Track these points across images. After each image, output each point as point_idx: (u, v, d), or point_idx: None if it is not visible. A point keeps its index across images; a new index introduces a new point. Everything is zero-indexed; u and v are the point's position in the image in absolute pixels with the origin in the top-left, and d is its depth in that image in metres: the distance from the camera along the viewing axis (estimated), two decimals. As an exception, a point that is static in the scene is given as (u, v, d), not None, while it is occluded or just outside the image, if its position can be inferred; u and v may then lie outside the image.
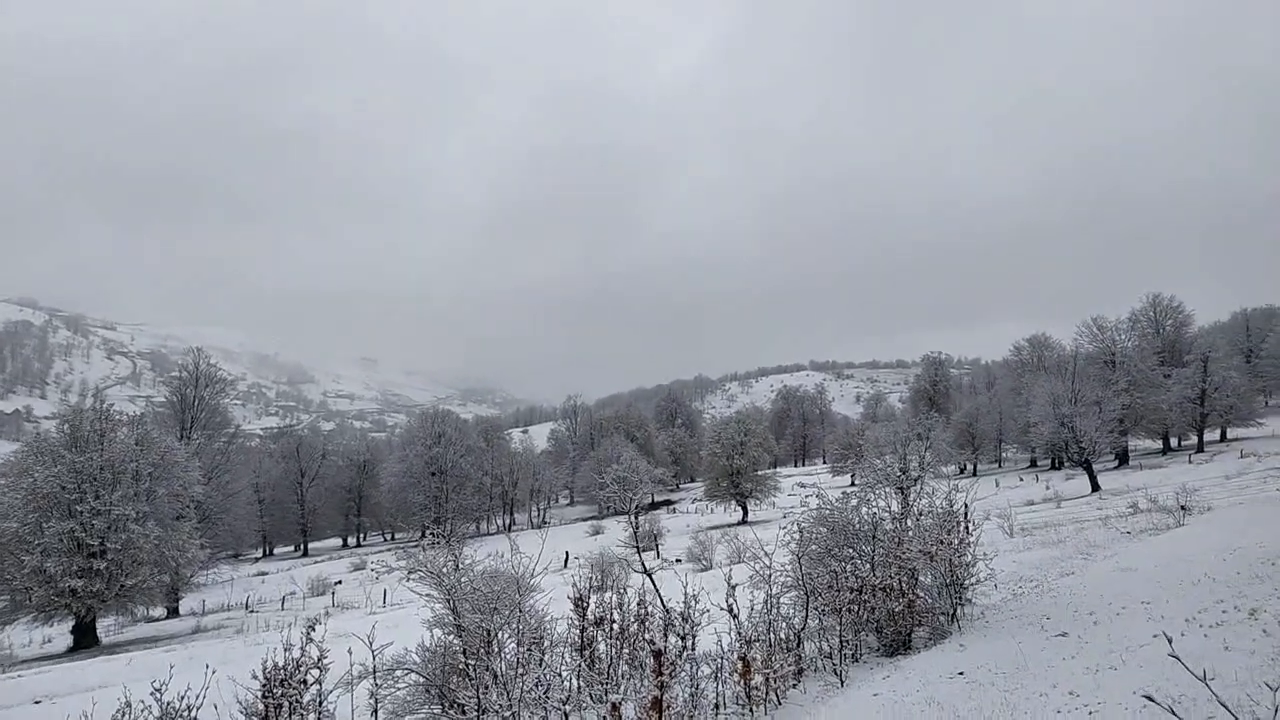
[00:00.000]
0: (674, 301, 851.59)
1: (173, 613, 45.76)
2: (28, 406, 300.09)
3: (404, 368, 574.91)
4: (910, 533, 11.60)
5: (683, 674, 7.73)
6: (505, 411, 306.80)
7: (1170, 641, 3.81)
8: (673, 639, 9.14)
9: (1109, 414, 52.20)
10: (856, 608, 10.40)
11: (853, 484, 65.34)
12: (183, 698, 5.82)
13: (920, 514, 12.40)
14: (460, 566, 10.51)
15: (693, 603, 9.39)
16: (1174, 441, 69.96)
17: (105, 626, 39.90)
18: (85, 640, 35.49)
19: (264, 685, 9.30)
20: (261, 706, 9.43)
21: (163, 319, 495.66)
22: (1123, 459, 62.45)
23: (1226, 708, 3.89)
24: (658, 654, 6.38)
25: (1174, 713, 3.34)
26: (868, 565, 11.00)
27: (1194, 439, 65.85)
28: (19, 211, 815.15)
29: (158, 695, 5.65)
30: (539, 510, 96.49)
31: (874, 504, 12.16)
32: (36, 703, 16.97)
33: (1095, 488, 44.07)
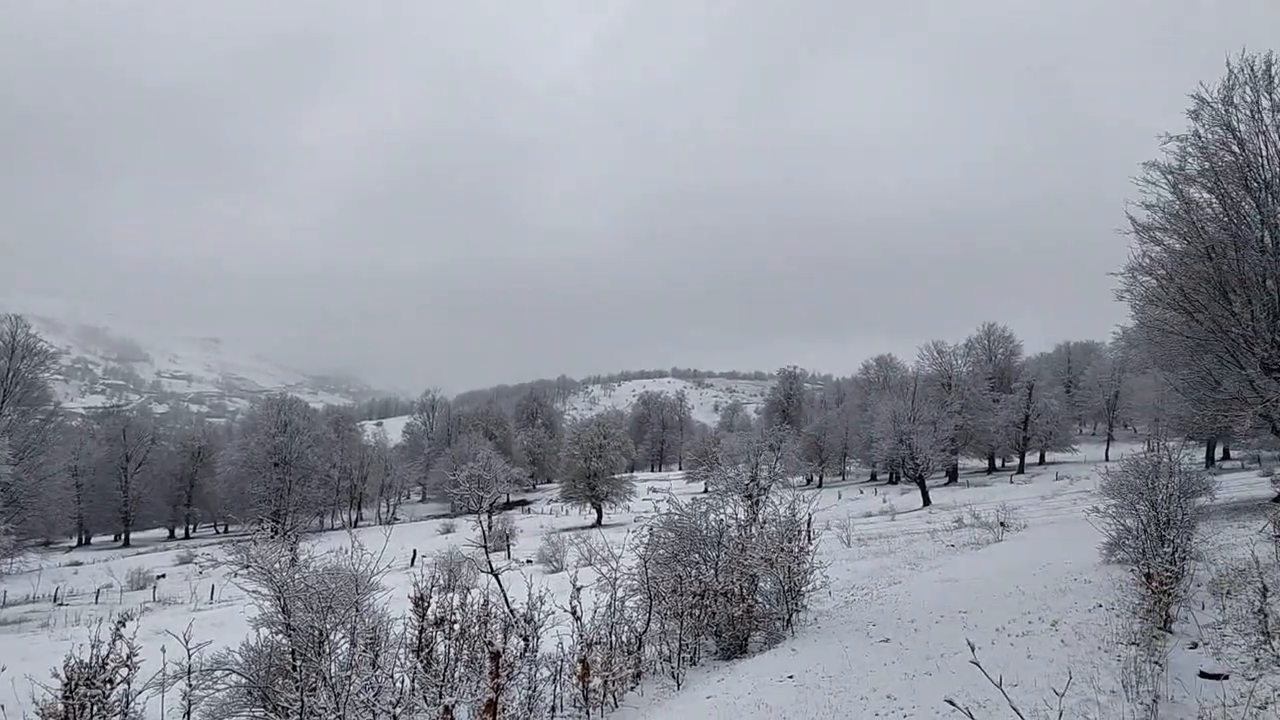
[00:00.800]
0: (542, 300, 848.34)
1: (-34, 605, 41.52)
2: None
3: (251, 351, 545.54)
4: (754, 540, 11.98)
5: (521, 676, 7.68)
6: (359, 402, 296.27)
7: (974, 650, 4.10)
8: (514, 640, 9.06)
9: (943, 433, 55.72)
10: (698, 612, 10.63)
11: (705, 491, 66.98)
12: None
13: (765, 522, 12.85)
14: (296, 562, 10.06)
15: (538, 604, 9.34)
16: (998, 462, 75.40)
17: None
18: None
19: (66, 684, 8.58)
20: (61, 707, 8.68)
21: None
22: (952, 476, 66.79)
23: (1018, 712, 4.21)
24: (495, 655, 6.31)
25: (971, 716, 3.59)
26: (712, 570, 11.28)
27: (1016, 460, 71.27)
28: None
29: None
30: (389, 506, 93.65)
31: (722, 511, 12.50)
32: None
33: (926, 502, 46.93)
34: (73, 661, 8.66)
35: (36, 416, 55.92)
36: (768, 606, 11.49)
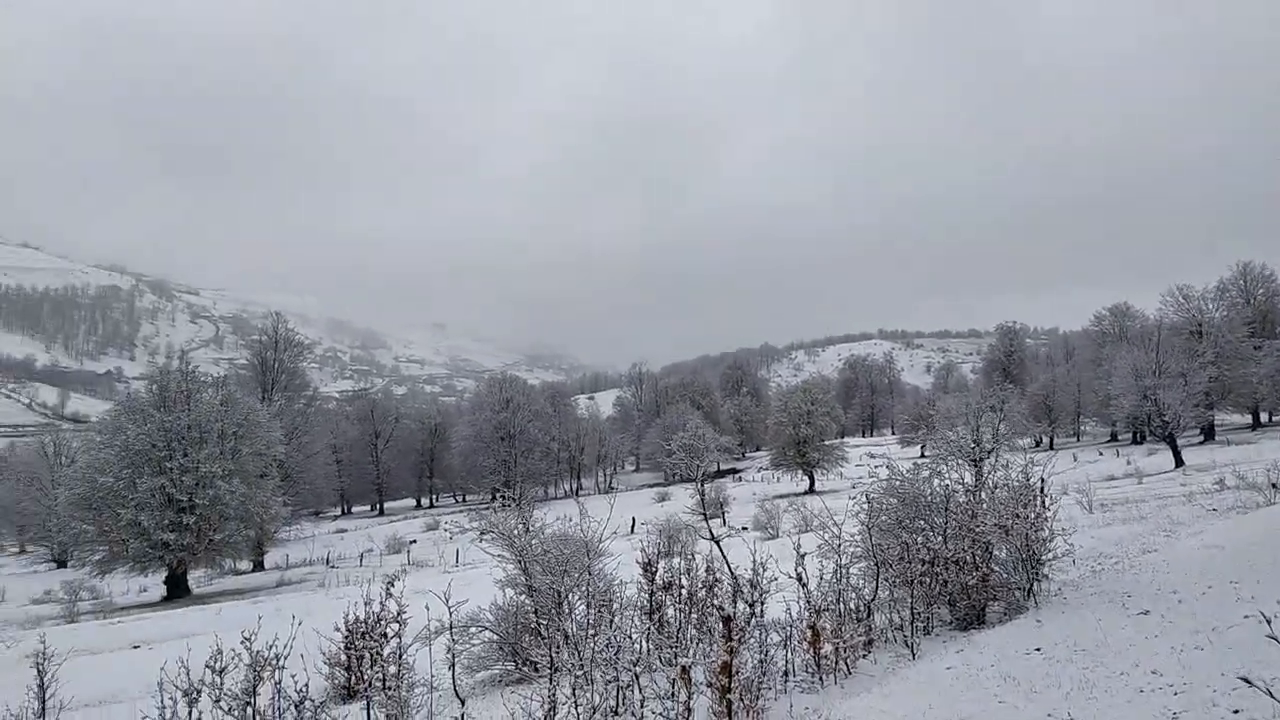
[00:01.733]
0: (740, 268, 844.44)
1: (258, 566, 47.83)
2: (118, 368, 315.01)
3: (472, 333, 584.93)
4: (984, 506, 11.38)
5: (751, 640, 7.77)
6: (571, 378, 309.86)
7: (1269, 622, 3.68)
8: (741, 606, 9.18)
9: (1195, 386, 50.08)
10: (928, 580, 10.27)
11: (922, 455, 64.34)
12: (271, 647, 6.08)
13: (995, 487, 12.16)
14: (530, 529, 10.73)
15: (761, 570, 9.41)
16: (1265, 416, 66.84)
17: (195, 578, 41.92)
18: (177, 591, 37.41)
19: (346, 637, 9.71)
20: (344, 657, 9.85)
21: (243, 284, 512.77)
22: (1208, 434, 59.97)
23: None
24: (727, 619, 6.42)
25: (1272, 695, 3.23)
26: (939, 538, 10.85)
27: (1287, 414, 62.82)
28: (106, 183, 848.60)
29: (248, 644, 5.93)
30: (605, 476, 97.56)
31: (946, 476, 11.96)
32: (135, 647, 17.96)
33: (1179, 463, 42.50)
34: (350, 617, 9.79)
35: (299, 401, 62.99)
36: (1004, 575, 10.89)
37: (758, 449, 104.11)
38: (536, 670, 8.71)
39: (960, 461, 13.92)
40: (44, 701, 6.54)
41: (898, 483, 11.78)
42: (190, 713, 5.73)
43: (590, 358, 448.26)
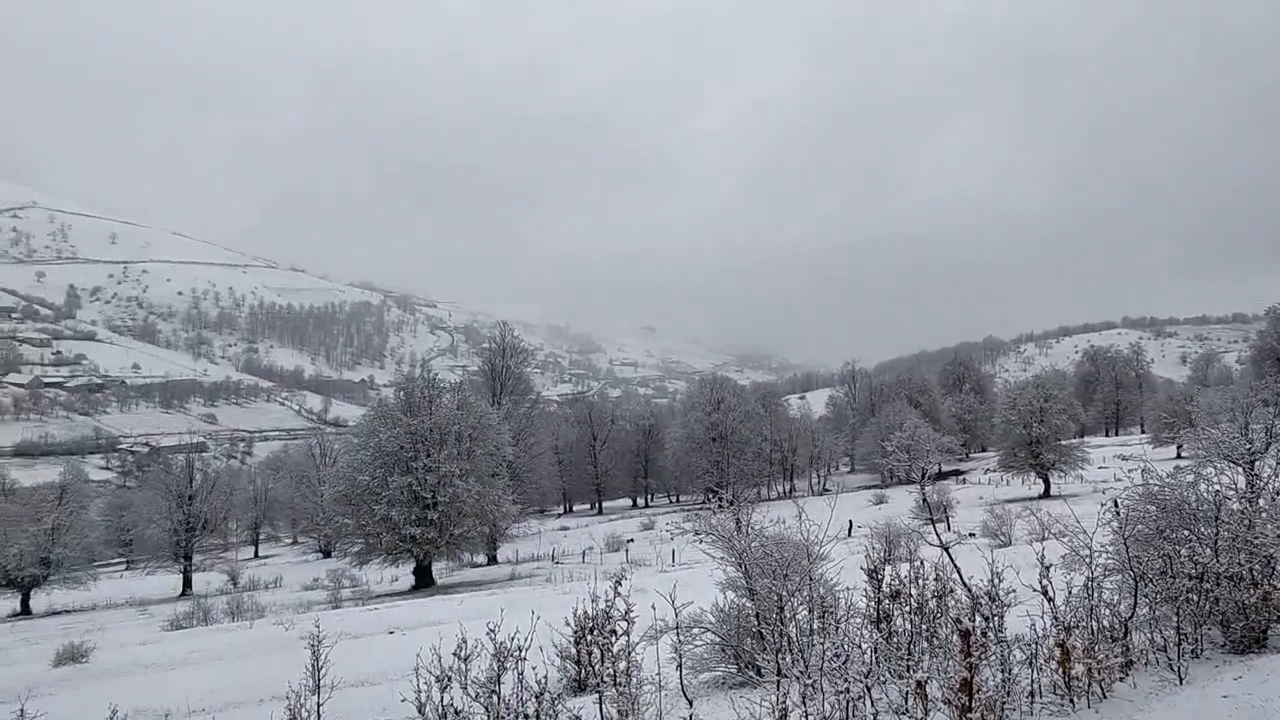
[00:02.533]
0: (957, 257, 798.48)
1: (492, 560, 51.19)
2: (371, 376, 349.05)
3: (682, 335, 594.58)
4: (1264, 514, 10.01)
5: (992, 657, 7.29)
6: (781, 377, 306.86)
7: None
8: (978, 619, 8.64)
9: None
10: (1196, 597, 9.18)
11: (1179, 457, 57.81)
12: (512, 639, 6.45)
13: (1276, 493, 10.67)
14: (747, 531, 10.68)
15: (997, 581, 8.80)
16: None
17: (438, 569, 45.49)
18: (424, 580, 40.81)
19: (576, 632, 10.14)
20: (575, 651, 10.29)
21: (473, 296, 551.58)
22: None
23: None
24: (965, 634, 6.06)
25: None
26: (1209, 550, 9.66)
27: None
28: (358, 209, 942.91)
29: (492, 635, 6.32)
30: (819, 477, 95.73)
31: (1213, 480, 10.63)
32: (390, 633, 19.73)
33: None
34: (580, 612, 10.21)
35: (525, 404, 66.78)
36: (1292, 594, 9.51)
37: (983, 449, 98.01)
38: (759, 675, 8.66)
39: (1228, 464, 12.35)
40: (318, 680, 7.30)
41: (1156, 488, 10.62)
42: (442, 698, 6.19)
43: (800, 357, 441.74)
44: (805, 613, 9.16)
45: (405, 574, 43.62)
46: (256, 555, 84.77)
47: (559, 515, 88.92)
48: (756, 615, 9.65)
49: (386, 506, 39.01)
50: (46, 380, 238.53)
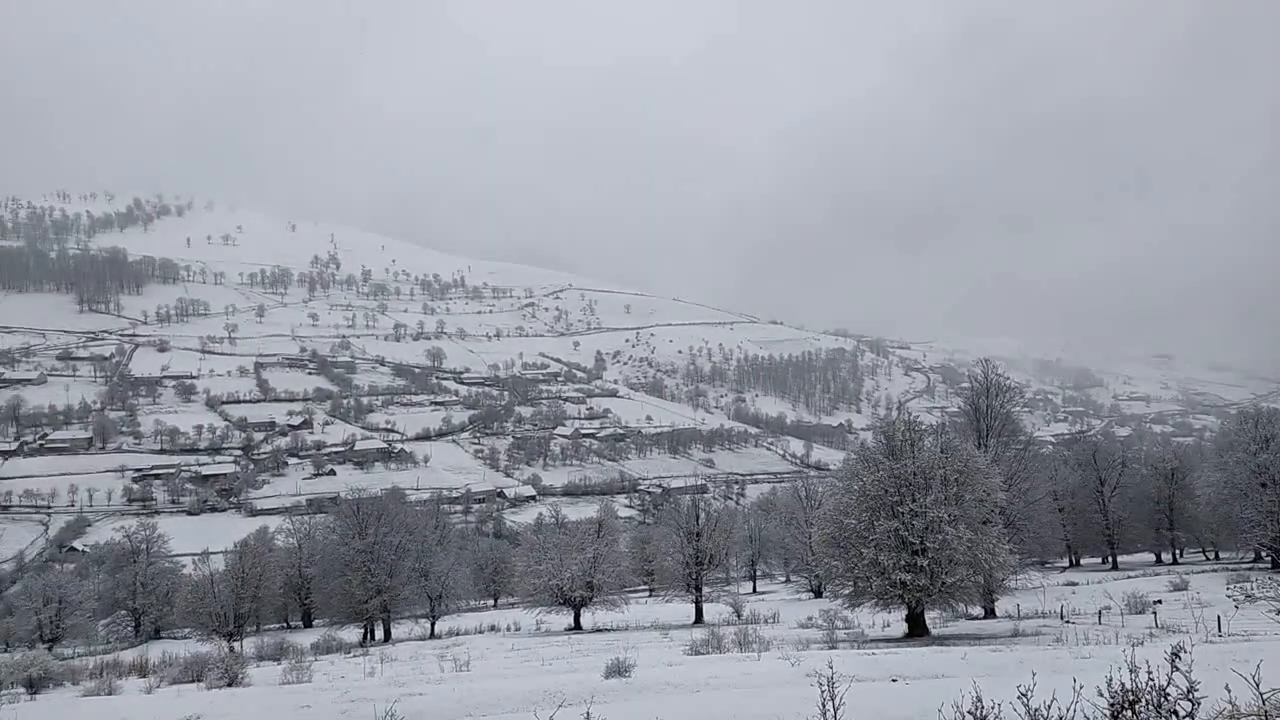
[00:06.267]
0: None
1: (989, 613, 48.00)
2: (849, 420, 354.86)
3: (1207, 362, 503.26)
4: None
5: None
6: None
7: None
8: None
9: None
10: None
11: None
12: (1049, 706, 6.02)
13: None
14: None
15: None
16: None
17: (931, 618, 43.97)
18: (917, 629, 39.80)
19: (1114, 705, 9.03)
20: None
21: (948, 334, 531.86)
22: None
23: None
24: None
25: None
26: None
27: None
28: (830, 257, 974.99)
29: (1024, 699, 5.97)
30: None
31: None
32: (893, 681, 19.58)
33: None
34: (1115, 683, 9.09)
35: (1014, 447, 62.01)
36: None
37: None
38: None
39: None
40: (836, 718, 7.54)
41: None
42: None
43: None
44: None
45: (896, 620, 42.96)
46: (754, 591, 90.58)
47: (1063, 569, 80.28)
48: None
49: (874, 550, 38.95)
50: (583, 432, 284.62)
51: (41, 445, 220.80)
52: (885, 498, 39.83)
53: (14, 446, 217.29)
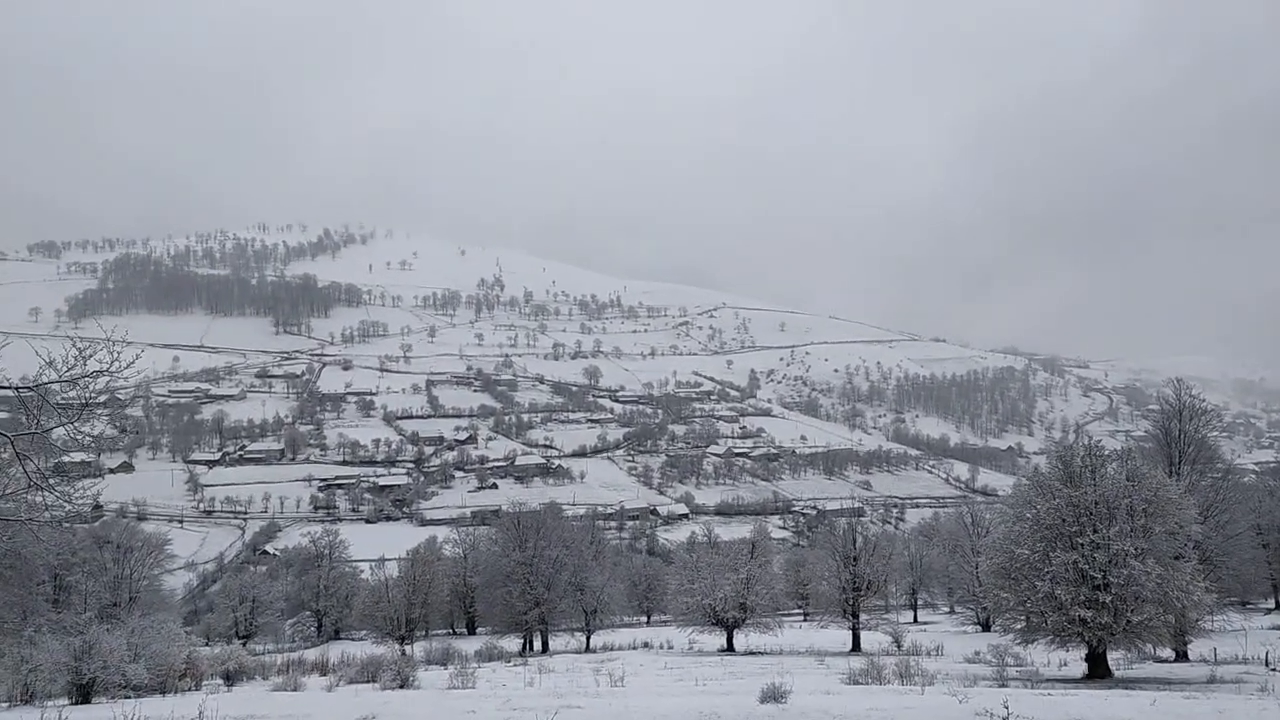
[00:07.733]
0: None
1: (1181, 656, 43.99)
2: (1018, 443, 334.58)
3: None
4: None
5: None
6: None
7: None
8: None
9: None
10: None
11: None
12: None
13: None
14: None
15: None
16: None
17: (1114, 659, 40.74)
18: (1098, 669, 36.96)
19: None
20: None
21: (1132, 352, 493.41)
22: None
23: None
24: None
25: None
26: None
27: None
28: (997, 269, 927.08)
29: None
30: None
31: None
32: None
33: None
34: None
35: (1211, 475, 56.64)
36: None
37: None
38: None
39: None
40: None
41: None
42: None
43: None
44: None
45: (1074, 659, 40.06)
46: (915, 620, 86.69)
47: (1268, 610, 72.27)
48: None
49: (1050, 584, 36.49)
50: (736, 451, 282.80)
51: (241, 456, 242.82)
52: (1063, 527, 37.34)
53: (218, 456, 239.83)
